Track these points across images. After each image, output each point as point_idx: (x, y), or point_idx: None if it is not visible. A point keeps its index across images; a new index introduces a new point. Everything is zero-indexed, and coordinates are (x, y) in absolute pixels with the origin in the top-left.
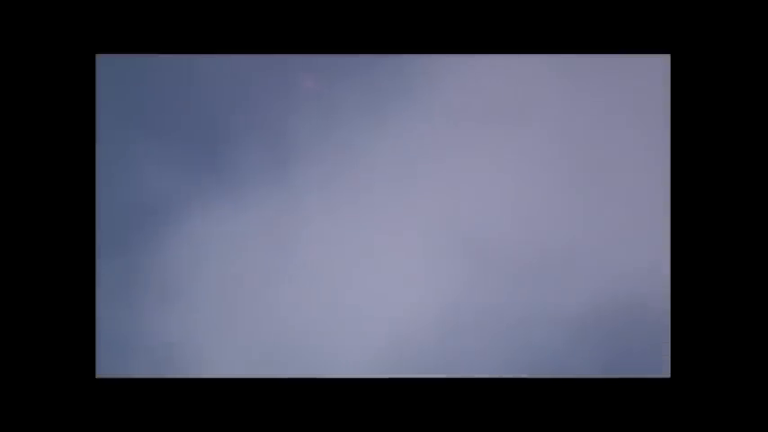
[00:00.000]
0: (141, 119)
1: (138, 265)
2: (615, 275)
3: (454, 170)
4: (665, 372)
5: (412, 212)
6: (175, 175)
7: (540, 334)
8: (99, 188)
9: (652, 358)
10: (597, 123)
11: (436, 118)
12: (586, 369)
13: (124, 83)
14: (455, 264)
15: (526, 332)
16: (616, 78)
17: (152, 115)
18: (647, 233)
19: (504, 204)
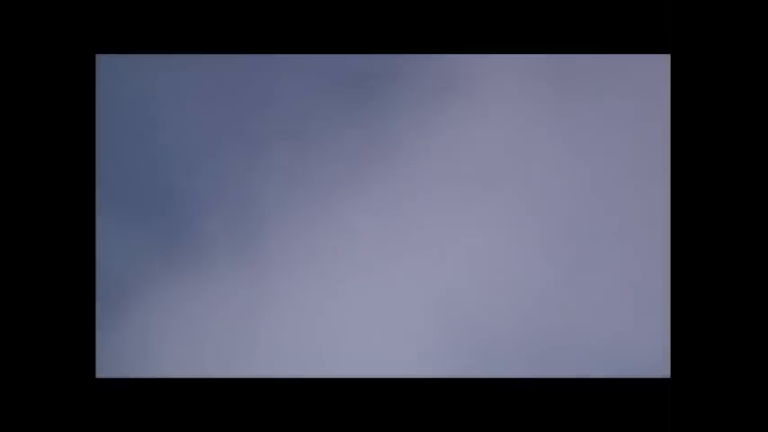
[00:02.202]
0: (141, 121)
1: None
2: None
3: (437, 231)
4: (664, 372)
5: (391, 282)
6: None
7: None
8: (99, 188)
9: (652, 359)
10: (596, 124)
11: (420, 168)
12: None
13: (125, 83)
14: (435, 340)
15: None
16: (616, 78)
17: (151, 121)
18: (646, 238)
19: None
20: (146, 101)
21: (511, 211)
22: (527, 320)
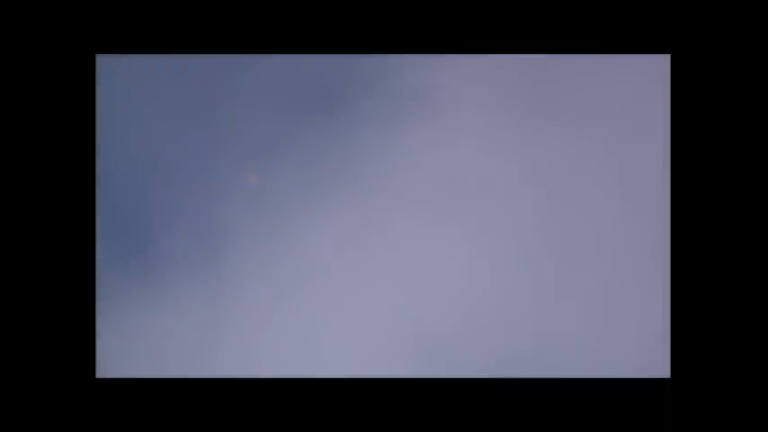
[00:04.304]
0: (141, 120)
1: None
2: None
3: (409, 247)
4: (664, 372)
5: (357, 306)
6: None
7: None
8: (99, 188)
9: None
10: (596, 124)
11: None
12: None
13: (125, 83)
14: (406, 365)
15: None
16: (616, 78)
17: (153, 117)
18: (646, 238)
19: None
20: (143, 103)
21: (510, 209)
22: (527, 320)
